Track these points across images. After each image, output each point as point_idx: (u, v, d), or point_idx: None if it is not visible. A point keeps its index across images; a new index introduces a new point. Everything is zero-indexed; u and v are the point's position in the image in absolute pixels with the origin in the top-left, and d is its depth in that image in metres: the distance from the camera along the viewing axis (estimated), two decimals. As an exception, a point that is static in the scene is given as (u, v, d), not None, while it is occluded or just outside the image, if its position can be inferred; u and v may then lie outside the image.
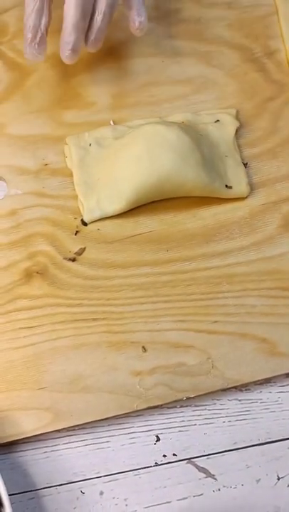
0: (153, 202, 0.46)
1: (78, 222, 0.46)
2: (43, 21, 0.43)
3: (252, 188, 0.47)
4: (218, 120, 0.48)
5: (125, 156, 0.45)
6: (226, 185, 0.46)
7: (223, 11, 0.52)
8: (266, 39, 0.52)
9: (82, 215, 0.46)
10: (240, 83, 0.50)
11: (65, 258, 0.45)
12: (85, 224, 0.46)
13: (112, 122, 0.48)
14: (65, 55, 0.44)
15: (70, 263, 0.45)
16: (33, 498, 0.41)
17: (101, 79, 0.50)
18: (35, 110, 0.49)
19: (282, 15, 0.52)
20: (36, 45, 0.44)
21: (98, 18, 0.44)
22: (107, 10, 0.44)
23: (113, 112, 0.49)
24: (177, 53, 0.51)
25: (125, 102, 0.49)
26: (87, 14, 0.44)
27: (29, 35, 0.44)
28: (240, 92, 0.50)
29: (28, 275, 0.44)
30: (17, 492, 0.40)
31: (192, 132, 0.46)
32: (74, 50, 0.44)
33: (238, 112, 0.49)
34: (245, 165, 0.48)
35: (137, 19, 0.45)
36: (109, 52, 0.50)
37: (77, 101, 0.49)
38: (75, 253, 0.45)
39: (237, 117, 0.49)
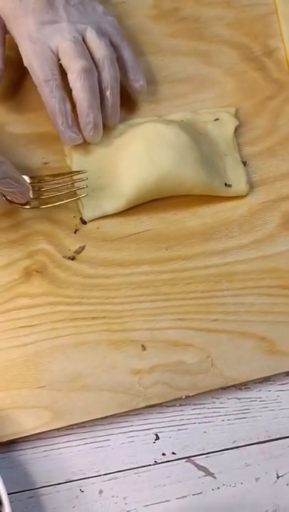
0: (153, 200, 0.46)
1: (78, 220, 0.46)
2: (68, 106, 0.45)
3: (251, 186, 0.47)
4: (217, 119, 0.48)
5: (125, 155, 0.45)
6: (226, 184, 0.46)
7: (222, 10, 0.52)
8: (265, 38, 0.52)
9: (81, 214, 0.46)
10: (240, 82, 0.50)
11: (64, 256, 0.45)
12: (84, 222, 0.46)
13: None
14: (90, 135, 0.45)
15: (70, 261, 0.45)
16: (32, 496, 0.41)
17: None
18: (36, 109, 0.49)
19: (282, 14, 0.52)
20: (69, 129, 0.45)
21: (108, 93, 0.45)
22: (113, 83, 0.45)
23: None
24: (176, 52, 0.51)
25: (124, 101, 0.49)
26: (96, 91, 0.45)
27: (59, 121, 0.45)
28: (240, 91, 0.50)
29: (28, 274, 0.44)
30: (16, 491, 0.40)
31: (191, 131, 0.46)
32: (96, 127, 0.45)
33: (237, 110, 0.49)
34: (245, 163, 0.48)
35: (137, 84, 0.47)
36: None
37: (77, 100, 0.49)
38: (75, 251, 0.45)
39: (236, 116, 0.49)
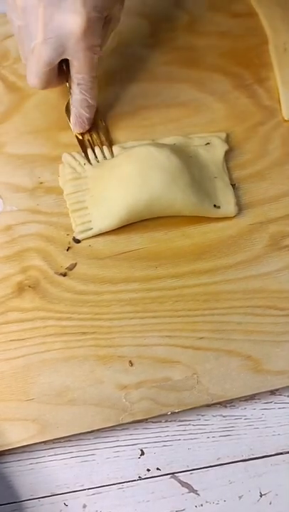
0: (144, 220, 0.48)
1: (70, 238, 0.47)
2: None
3: (241, 208, 0.49)
4: (208, 143, 0.50)
5: (118, 176, 0.47)
6: (215, 205, 0.48)
7: (216, 40, 0.54)
8: (257, 67, 0.54)
9: (74, 232, 0.47)
10: (232, 108, 0.52)
11: (56, 273, 0.46)
12: (76, 241, 0.47)
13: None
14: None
15: (62, 278, 0.46)
16: (16, 509, 0.41)
17: (97, 102, 0.52)
18: (34, 131, 0.51)
19: (273, 44, 0.54)
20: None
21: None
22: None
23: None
24: (171, 79, 0.53)
25: (120, 125, 0.51)
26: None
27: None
28: (231, 117, 0.52)
29: (21, 289, 0.46)
30: (0, 503, 0.41)
31: (182, 154, 0.48)
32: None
33: (228, 135, 0.51)
34: (234, 186, 0.49)
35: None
36: (106, 77, 0.52)
37: (74, 123, 0.51)
38: (67, 268, 0.46)
39: (227, 140, 0.51)
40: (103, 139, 0.50)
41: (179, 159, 0.47)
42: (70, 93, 0.47)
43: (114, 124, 0.51)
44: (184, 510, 0.41)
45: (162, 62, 0.54)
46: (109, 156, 0.49)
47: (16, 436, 0.42)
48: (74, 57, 0.44)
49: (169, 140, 0.50)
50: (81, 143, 0.49)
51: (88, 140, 0.49)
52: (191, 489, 0.42)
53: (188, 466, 0.42)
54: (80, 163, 0.49)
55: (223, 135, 0.51)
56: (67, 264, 0.46)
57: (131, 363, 0.44)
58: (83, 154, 0.49)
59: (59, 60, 0.44)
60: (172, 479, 0.42)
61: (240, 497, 0.42)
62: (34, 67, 0.45)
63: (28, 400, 0.42)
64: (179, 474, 0.42)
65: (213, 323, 0.45)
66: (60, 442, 0.42)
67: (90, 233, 0.47)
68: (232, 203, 0.48)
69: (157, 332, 0.45)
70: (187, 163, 0.47)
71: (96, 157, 0.49)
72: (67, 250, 0.47)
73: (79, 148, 0.50)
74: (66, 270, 0.46)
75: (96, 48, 0.44)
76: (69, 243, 0.47)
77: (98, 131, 0.50)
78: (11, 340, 0.44)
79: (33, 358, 0.44)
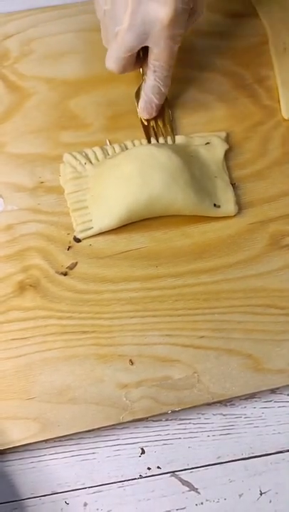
0: (144, 219, 0.48)
1: (71, 237, 0.47)
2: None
3: (240, 207, 0.49)
4: (208, 142, 0.50)
5: (118, 175, 0.47)
6: (215, 205, 0.48)
7: (216, 41, 0.55)
8: (257, 67, 0.54)
9: (75, 231, 0.47)
10: (231, 108, 0.52)
11: (57, 272, 0.46)
12: (77, 240, 0.47)
13: (108, 142, 0.50)
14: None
15: (62, 277, 0.46)
16: (16, 508, 0.41)
17: (97, 101, 0.52)
18: (34, 130, 0.51)
19: (273, 44, 0.54)
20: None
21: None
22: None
23: (108, 133, 0.51)
24: (171, 79, 0.53)
25: (120, 124, 0.51)
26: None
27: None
28: (231, 116, 0.52)
29: (21, 288, 0.46)
30: (1, 502, 0.41)
31: (183, 154, 0.48)
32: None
33: (228, 134, 0.51)
34: (234, 185, 0.49)
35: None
36: (106, 76, 0.52)
37: (75, 122, 0.51)
38: (67, 267, 0.46)
39: (227, 140, 0.51)
40: (167, 127, 0.50)
41: (179, 158, 0.47)
42: (144, 79, 0.48)
43: (114, 124, 0.51)
44: (184, 508, 0.41)
45: (162, 62, 0.54)
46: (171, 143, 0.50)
47: (17, 434, 0.42)
48: (155, 44, 0.45)
49: (169, 139, 0.50)
50: (145, 128, 0.50)
51: (153, 127, 0.50)
52: (192, 487, 0.42)
53: (188, 464, 0.42)
54: (80, 163, 0.49)
55: (223, 134, 0.51)
56: (68, 264, 0.46)
57: (131, 362, 0.44)
58: (146, 139, 0.50)
59: (140, 46, 0.46)
60: (173, 478, 0.42)
61: (240, 495, 0.42)
62: (115, 52, 0.46)
63: (29, 399, 0.43)
64: (180, 473, 0.42)
65: (214, 322, 0.45)
66: (61, 441, 0.43)
67: (90, 232, 0.47)
68: (232, 202, 0.48)
69: (157, 331, 0.45)
70: (187, 162, 0.48)
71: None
72: (68, 249, 0.47)
73: (80, 148, 0.50)
74: (67, 269, 0.46)
75: (178, 37, 0.45)
76: (69, 242, 0.47)
77: (164, 118, 0.50)
78: (12, 339, 0.44)
79: (34, 356, 0.44)
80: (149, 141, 0.50)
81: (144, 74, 0.49)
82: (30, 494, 0.41)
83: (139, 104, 0.50)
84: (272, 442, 0.43)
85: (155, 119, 0.50)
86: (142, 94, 0.49)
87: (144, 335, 0.45)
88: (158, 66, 0.47)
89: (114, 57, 0.46)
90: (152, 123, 0.50)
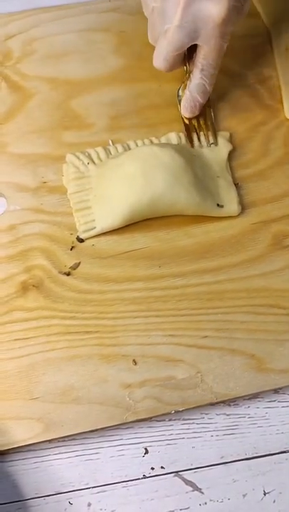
0: (147, 219, 0.48)
1: (74, 237, 0.47)
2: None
3: (243, 207, 0.49)
4: (212, 143, 0.50)
5: (121, 175, 0.47)
6: (218, 204, 0.48)
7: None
8: (259, 67, 0.54)
9: (78, 231, 0.47)
10: (234, 108, 0.52)
11: (60, 272, 0.46)
12: (80, 241, 0.47)
13: (110, 142, 0.50)
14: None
15: (65, 277, 0.46)
16: (20, 508, 0.41)
17: (100, 101, 0.52)
18: (37, 130, 0.51)
19: (275, 44, 0.54)
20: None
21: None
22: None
23: (111, 133, 0.51)
24: (173, 78, 0.53)
25: (123, 124, 0.51)
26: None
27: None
28: (234, 116, 0.52)
29: (24, 288, 0.46)
30: (5, 502, 0.41)
31: (186, 153, 0.48)
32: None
33: (231, 135, 0.51)
34: (237, 185, 0.49)
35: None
36: (109, 76, 0.52)
37: (77, 122, 0.51)
38: (70, 267, 0.46)
39: (230, 140, 0.51)
40: (209, 125, 0.50)
41: (182, 158, 0.47)
42: (189, 77, 0.48)
43: (117, 124, 0.51)
44: (188, 508, 0.41)
45: (165, 62, 0.53)
46: (212, 143, 0.50)
47: (21, 434, 0.42)
48: (206, 43, 0.45)
49: (172, 139, 0.50)
50: (187, 127, 0.50)
51: (194, 126, 0.50)
52: (195, 487, 0.42)
53: (192, 464, 0.42)
54: (83, 163, 0.49)
55: (227, 134, 0.51)
56: (71, 264, 0.46)
57: (135, 362, 0.44)
58: (186, 138, 0.50)
59: (190, 45, 0.45)
60: (176, 478, 0.42)
61: (244, 495, 0.42)
62: (164, 50, 0.46)
63: (32, 399, 0.43)
64: (183, 473, 0.42)
65: (217, 322, 0.45)
66: (64, 441, 0.43)
67: (93, 232, 0.47)
68: (235, 202, 0.48)
69: (161, 331, 0.45)
70: (190, 162, 0.48)
71: (200, 143, 0.50)
72: (71, 250, 0.47)
73: (83, 148, 0.50)
74: (70, 269, 0.46)
75: (227, 36, 0.45)
76: (72, 242, 0.47)
77: (205, 118, 0.50)
78: (15, 340, 0.44)
79: (37, 357, 0.44)
80: (191, 141, 0.49)
81: (188, 72, 0.48)
82: (34, 494, 0.41)
83: (182, 102, 0.49)
84: (276, 442, 0.43)
85: (197, 117, 0.50)
86: (186, 92, 0.48)
87: (147, 335, 0.45)
88: (206, 65, 0.46)
89: (163, 55, 0.46)
90: (194, 122, 0.50)
